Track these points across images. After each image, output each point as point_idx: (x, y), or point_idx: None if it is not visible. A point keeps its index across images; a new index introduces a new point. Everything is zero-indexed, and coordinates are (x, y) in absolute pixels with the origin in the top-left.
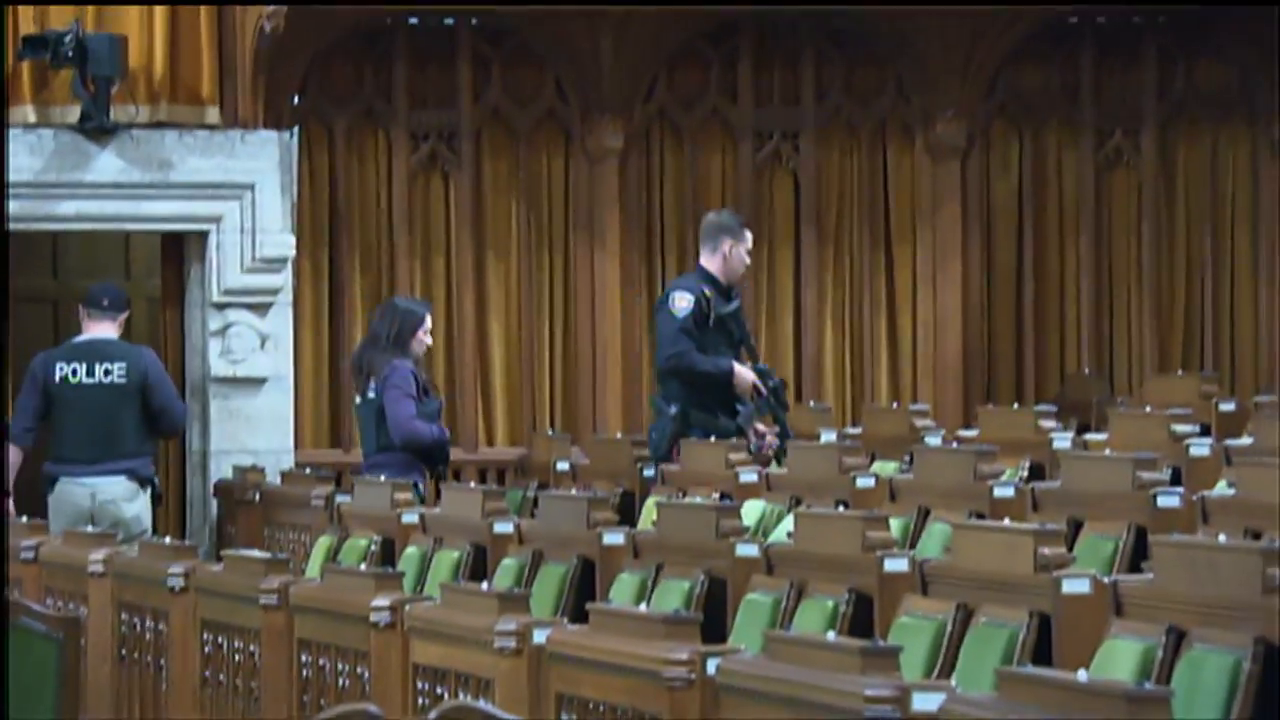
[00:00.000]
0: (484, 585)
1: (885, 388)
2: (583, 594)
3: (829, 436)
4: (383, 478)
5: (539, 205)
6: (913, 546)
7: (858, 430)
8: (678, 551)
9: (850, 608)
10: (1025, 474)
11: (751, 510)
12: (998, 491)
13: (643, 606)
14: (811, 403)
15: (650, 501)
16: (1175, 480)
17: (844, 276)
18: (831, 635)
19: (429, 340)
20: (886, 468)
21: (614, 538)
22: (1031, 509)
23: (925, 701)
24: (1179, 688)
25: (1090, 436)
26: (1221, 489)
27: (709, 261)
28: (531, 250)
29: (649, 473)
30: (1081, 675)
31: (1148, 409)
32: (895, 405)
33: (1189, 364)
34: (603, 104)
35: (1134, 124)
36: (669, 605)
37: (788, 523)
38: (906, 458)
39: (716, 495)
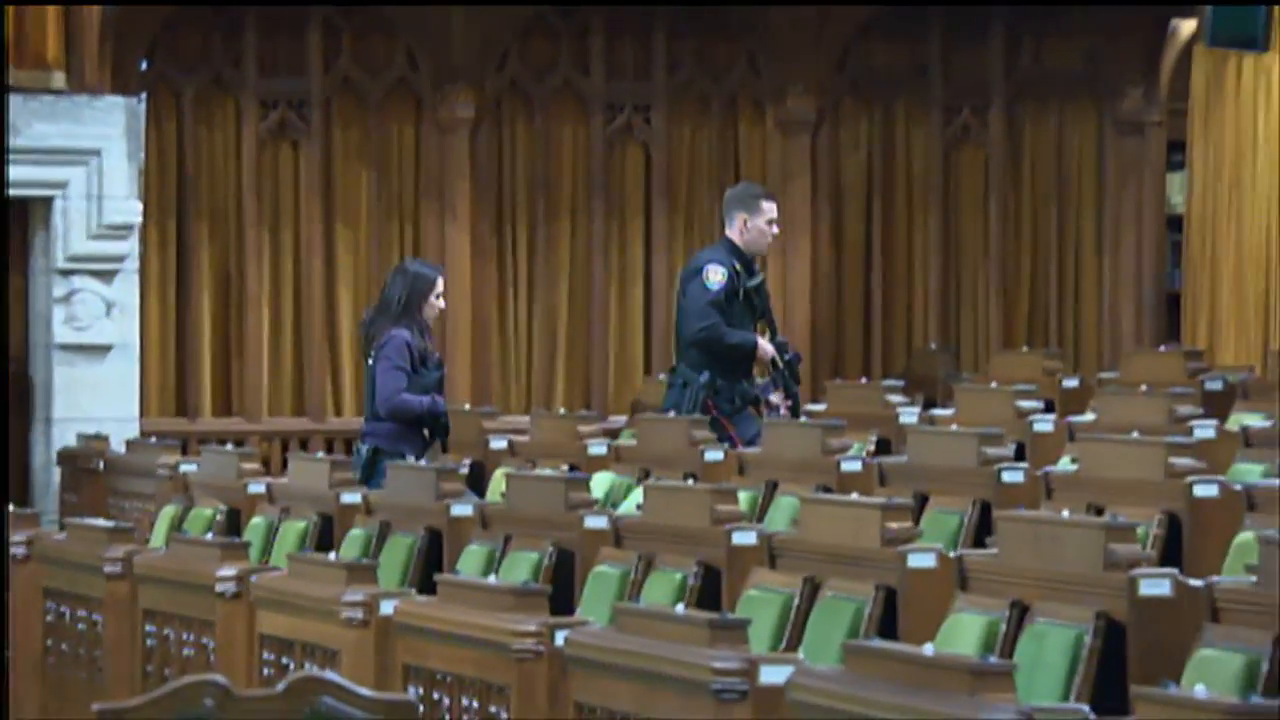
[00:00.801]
0: (331, 556)
1: None
2: (430, 565)
3: None
4: (366, 447)
5: (389, 174)
6: (761, 520)
7: None
8: (526, 523)
9: (698, 580)
10: (872, 448)
11: (601, 482)
12: (845, 465)
13: (491, 578)
14: (661, 375)
15: (499, 473)
16: (1019, 456)
17: (694, 248)
18: (680, 608)
19: (442, 304)
20: None
21: (462, 509)
22: (878, 483)
23: (773, 674)
24: (1022, 661)
25: (936, 412)
26: (1065, 465)
27: (732, 234)
28: (381, 219)
29: (497, 443)
30: (927, 649)
31: (993, 385)
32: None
33: (1034, 340)
34: (454, 74)
35: (982, 101)
36: (517, 577)
37: (637, 495)
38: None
39: (566, 467)
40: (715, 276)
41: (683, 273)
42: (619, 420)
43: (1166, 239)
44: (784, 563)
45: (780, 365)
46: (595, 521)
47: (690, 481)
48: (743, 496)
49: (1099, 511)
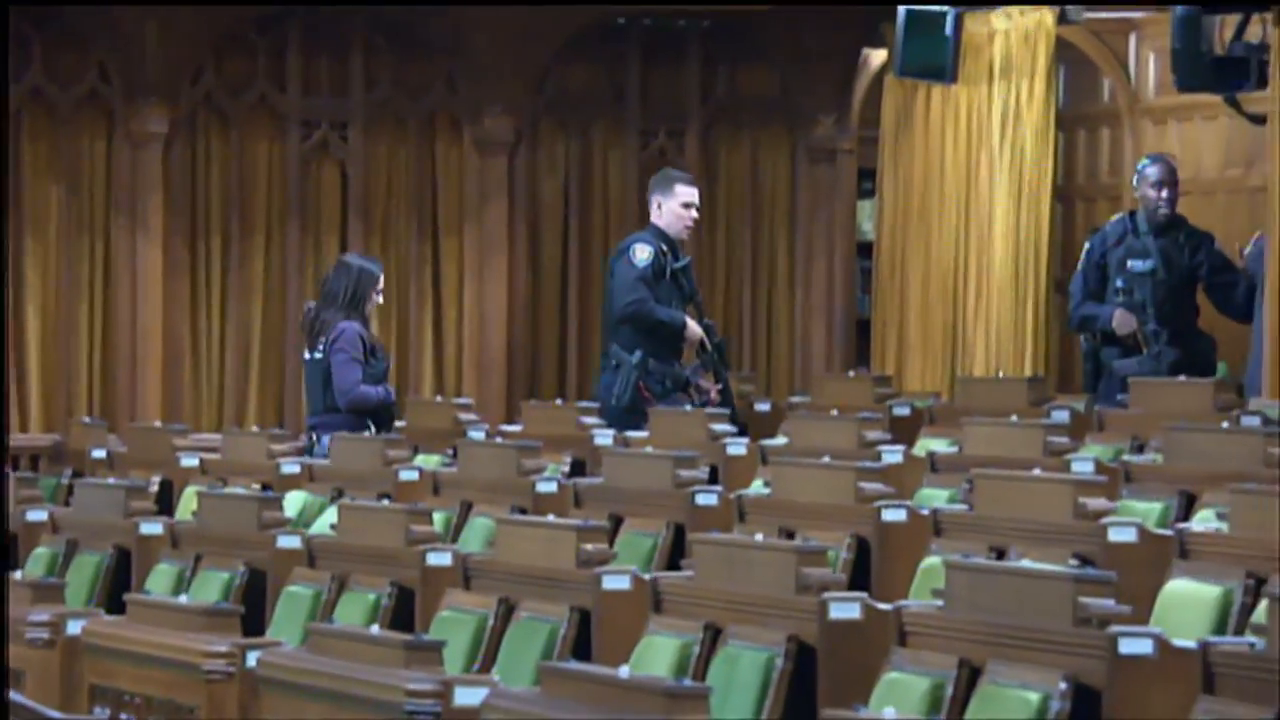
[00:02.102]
0: (16, 575)
1: (430, 381)
2: (119, 584)
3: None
4: (328, 437)
5: (79, 188)
6: (455, 540)
7: (401, 423)
8: (218, 542)
9: (392, 601)
10: (567, 469)
11: (293, 501)
12: (540, 487)
13: (181, 598)
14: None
15: (190, 491)
16: (713, 479)
17: (390, 268)
18: (374, 629)
19: (380, 299)
20: (430, 461)
21: (151, 527)
22: (574, 505)
23: (467, 696)
24: (715, 683)
25: (631, 434)
26: (757, 488)
27: (655, 218)
28: (70, 234)
29: (188, 461)
30: (622, 671)
31: (687, 408)
32: (439, 398)
33: (728, 364)
34: (147, 88)
35: (678, 125)
36: (208, 597)
37: (330, 514)
38: (450, 451)
39: (258, 486)
40: (642, 254)
41: (611, 256)
42: None
43: (856, 265)
44: (478, 584)
45: (709, 348)
46: (287, 541)
47: (384, 501)
48: (437, 517)
49: (790, 535)
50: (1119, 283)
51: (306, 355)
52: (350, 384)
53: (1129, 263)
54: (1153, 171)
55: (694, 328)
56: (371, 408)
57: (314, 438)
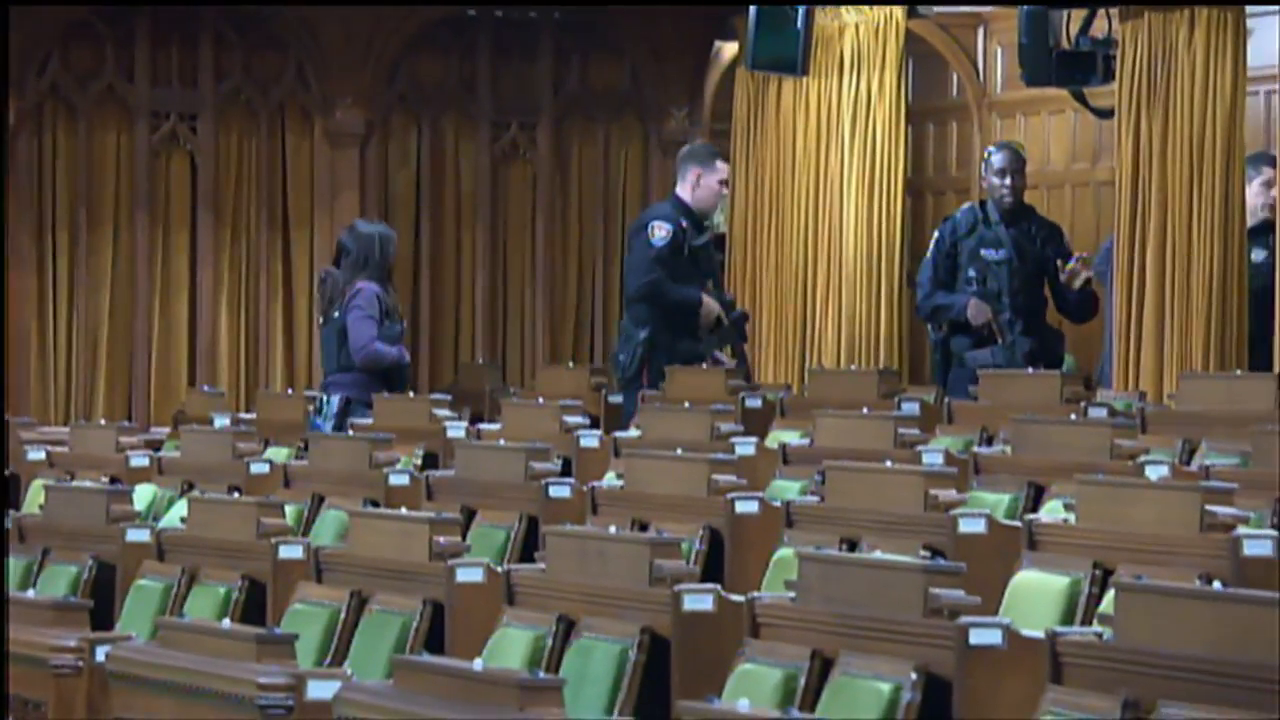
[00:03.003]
0: None
1: (280, 373)
2: None
3: (222, 421)
4: (337, 397)
5: None
6: (307, 533)
7: (252, 416)
8: (65, 536)
9: (243, 594)
10: (420, 462)
11: (143, 494)
12: (393, 479)
13: (29, 592)
14: (205, 387)
15: (37, 484)
16: (566, 471)
17: (240, 260)
18: (225, 622)
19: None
20: (280, 454)
21: None
22: (426, 497)
23: (320, 689)
24: (569, 676)
25: (484, 426)
26: (610, 480)
27: (682, 190)
28: None
29: (35, 454)
30: (476, 664)
31: (540, 400)
32: (290, 391)
33: (579, 356)
34: None
35: (530, 118)
36: (56, 591)
37: (180, 507)
38: (301, 444)
39: (106, 479)
40: (660, 232)
41: (630, 229)
42: (161, 431)
43: None
44: (331, 576)
45: (725, 322)
46: (137, 534)
47: (235, 494)
48: (289, 510)
49: (643, 527)
50: (971, 272)
51: (321, 320)
52: (366, 339)
53: (982, 252)
54: (998, 159)
55: (709, 304)
56: (386, 366)
57: (324, 399)
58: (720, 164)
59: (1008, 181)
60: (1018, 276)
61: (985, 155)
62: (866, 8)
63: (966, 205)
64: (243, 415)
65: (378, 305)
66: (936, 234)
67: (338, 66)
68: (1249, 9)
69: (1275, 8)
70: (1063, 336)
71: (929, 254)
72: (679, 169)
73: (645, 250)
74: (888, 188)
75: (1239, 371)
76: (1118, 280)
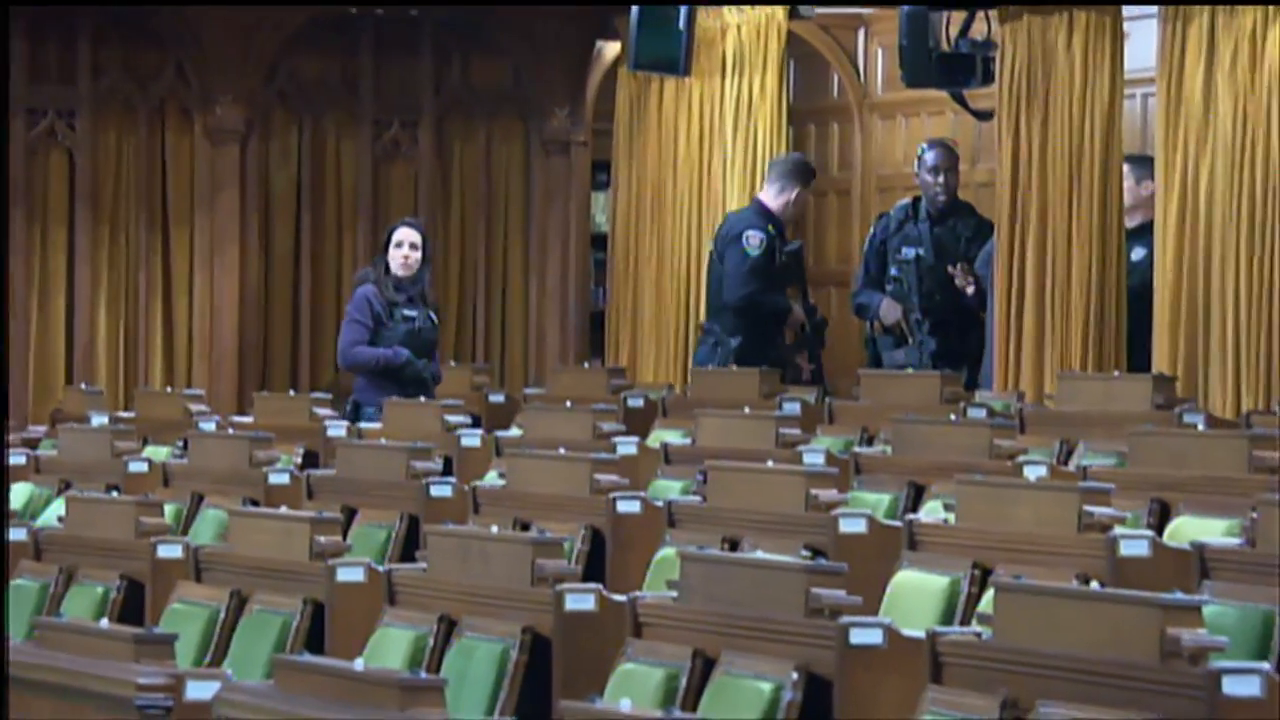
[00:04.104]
0: None
1: (159, 372)
2: None
3: (100, 420)
4: (350, 401)
5: None
6: (186, 532)
7: (131, 414)
8: None
9: (121, 594)
10: (300, 461)
11: (20, 494)
12: (273, 478)
13: None
14: (83, 385)
15: None
16: (447, 470)
17: (119, 258)
18: (103, 622)
19: (404, 253)
20: (160, 452)
21: None
22: (307, 496)
23: (199, 690)
24: (450, 675)
25: (365, 425)
26: (492, 479)
27: (771, 199)
28: None
29: None
30: (357, 664)
31: (422, 399)
32: (169, 390)
33: (462, 355)
34: None
35: (412, 116)
36: None
37: (58, 506)
38: (180, 443)
39: None
40: (755, 242)
41: (719, 237)
42: (39, 430)
43: (590, 257)
44: (210, 576)
45: (807, 329)
46: (13, 534)
47: (113, 493)
48: (168, 509)
49: (525, 526)
50: (893, 270)
51: None
52: (344, 344)
53: (902, 249)
54: (930, 157)
55: (797, 312)
56: (370, 368)
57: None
58: (813, 181)
59: (941, 179)
60: (930, 275)
61: (918, 153)
62: (748, 8)
63: (901, 202)
64: (121, 414)
65: (367, 307)
66: (871, 230)
67: (218, 64)
68: (1125, 12)
69: (1152, 10)
70: (983, 334)
71: (863, 250)
72: (772, 177)
73: (742, 260)
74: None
75: (1117, 372)
76: (997, 281)
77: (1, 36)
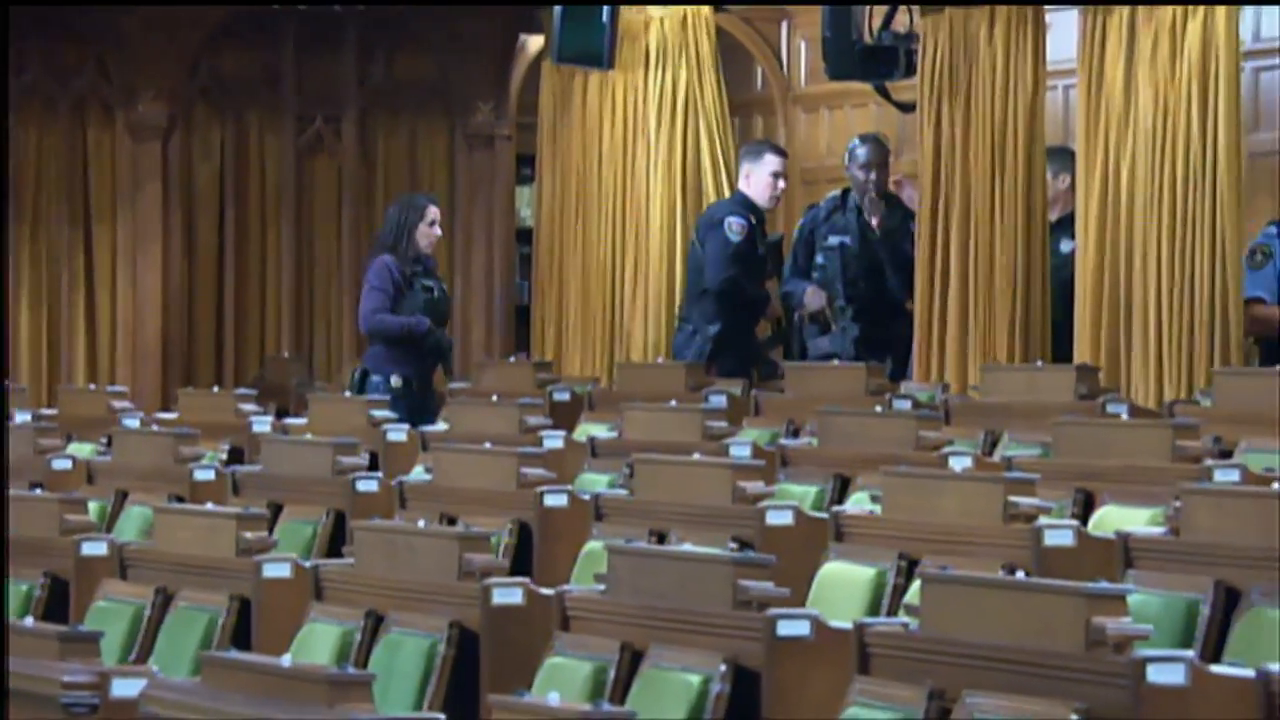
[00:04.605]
0: None
1: (83, 369)
2: None
3: (24, 417)
4: (358, 370)
5: None
6: (110, 530)
7: (54, 411)
8: None
9: (46, 592)
10: (225, 457)
11: None
12: (198, 474)
13: None
14: (6, 382)
15: None
16: (373, 465)
17: (41, 255)
18: (28, 620)
19: (437, 232)
20: (83, 449)
21: None
22: (232, 493)
23: (125, 687)
24: (378, 670)
25: (290, 421)
26: (419, 474)
27: (744, 187)
28: None
29: None
30: (284, 660)
31: (346, 394)
32: (93, 386)
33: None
34: None
35: (335, 111)
36: None
37: None
38: (104, 440)
39: None
40: (737, 228)
41: (699, 224)
42: None
43: (516, 252)
44: (135, 573)
45: (784, 324)
46: None
47: (37, 491)
48: (92, 506)
49: (452, 521)
50: (819, 259)
51: None
52: (366, 310)
53: (829, 237)
54: (862, 152)
55: (775, 305)
56: (393, 335)
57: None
58: (770, 155)
59: (873, 175)
60: (855, 263)
61: (849, 147)
62: (672, 3)
63: (831, 194)
64: (44, 411)
65: (388, 275)
66: (801, 221)
67: (139, 59)
68: (1047, 4)
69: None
70: (910, 322)
71: (793, 241)
72: (738, 166)
73: (724, 246)
74: (693, 182)
75: (1040, 363)
76: (920, 272)
77: (1, 36)
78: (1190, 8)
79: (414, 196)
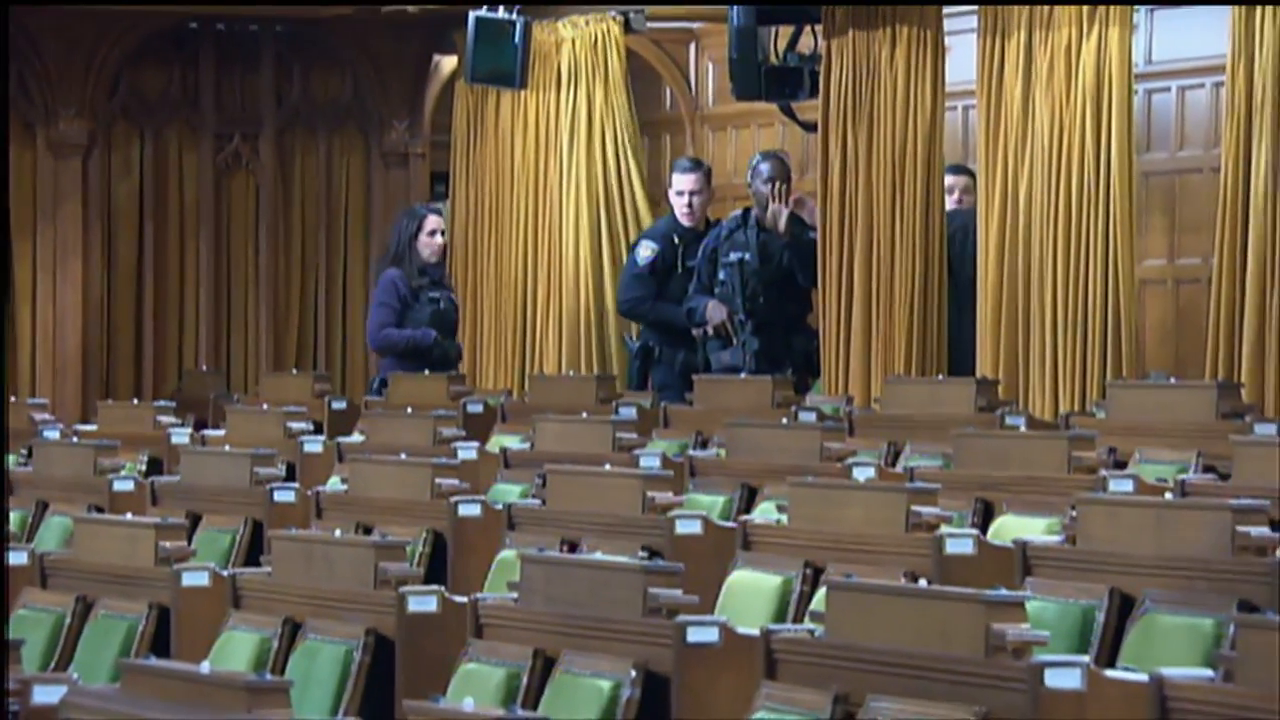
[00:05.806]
0: None
1: (4, 381)
2: None
3: None
4: (377, 379)
5: None
6: (31, 540)
7: None
8: None
9: None
10: (144, 468)
11: None
12: (118, 485)
13: None
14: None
15: None
16: (290, 476)
17: None
18: None
19: (438, 240)
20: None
21: None
22: (151, 503)
23: (45, 694)
24: (295, 677)
25: (208, 432)
26: (335, 484)
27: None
28: None
29: None
30: (203, 667)
31: (264, 406)
32: (14, 399)
33: (303, 363)
34: None
35: (253, 128)
36: None
37: None
38: (25, 451)
39: None
40: (644, 252)
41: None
42: None
43: None
44: (56, 582)
45: (731, 331)
46: None
47: None
48: (13, 516)
49: (368, 530)
50: (721, 275)
51: None
52: (373, 326)
53: (730, 254)
54: (764, 168)
55: (712, 313)
56: (400, 349)
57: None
58: (674, 175)
59: (776, 188)
60: (754, 278)
61: (751, 164)
62: (583, 21)
63: (735, 212)
64: None
65: (393, 290)
66: (704, 240)
67: (59, 77)
68: (946, 26)
69: (972, 25)
70: (814, 336)
71: (696, 259)
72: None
73: (628, 269)
74: (608, 198)
75: (940, 376)
76: (824, 288)
77: (1, 36)
78: (1086, 29)
79: (413, 207)
